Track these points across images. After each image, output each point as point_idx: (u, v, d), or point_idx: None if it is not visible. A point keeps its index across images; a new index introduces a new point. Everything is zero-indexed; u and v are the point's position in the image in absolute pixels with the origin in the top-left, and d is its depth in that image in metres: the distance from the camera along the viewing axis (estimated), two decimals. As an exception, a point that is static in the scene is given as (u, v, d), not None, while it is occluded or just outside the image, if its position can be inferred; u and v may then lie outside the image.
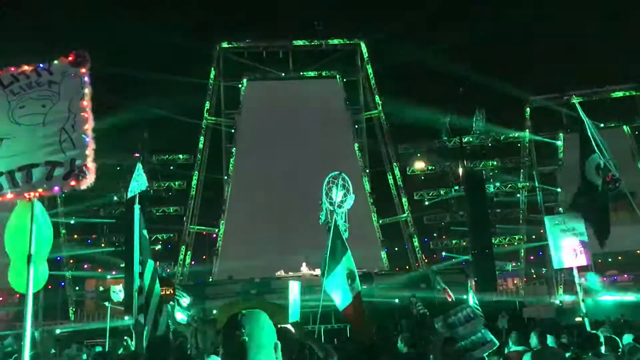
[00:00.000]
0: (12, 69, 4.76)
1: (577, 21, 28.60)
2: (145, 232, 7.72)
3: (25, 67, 4.75)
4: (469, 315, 6.43)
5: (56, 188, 4.31)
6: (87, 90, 4.62)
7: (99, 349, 13.24)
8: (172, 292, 11.70)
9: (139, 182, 7.70)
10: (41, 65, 4.76)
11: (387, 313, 20.72)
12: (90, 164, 4.33)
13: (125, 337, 7.85)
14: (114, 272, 28.46)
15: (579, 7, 29.09)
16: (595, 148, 8.30)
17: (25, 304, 4.13)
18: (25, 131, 4.51)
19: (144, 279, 7.34)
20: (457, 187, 32.54)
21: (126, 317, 20.57)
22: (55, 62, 4.76)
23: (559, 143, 32.85)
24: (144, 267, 7.40)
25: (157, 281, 7.68)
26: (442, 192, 34.24)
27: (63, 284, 28.66)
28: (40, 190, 4.28)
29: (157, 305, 7.51)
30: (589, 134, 8.46)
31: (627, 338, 7.53)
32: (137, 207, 7.55)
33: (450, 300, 16.03)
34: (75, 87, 4.62)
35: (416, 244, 32.80)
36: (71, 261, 29.36)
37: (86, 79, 4.67)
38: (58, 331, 22.77)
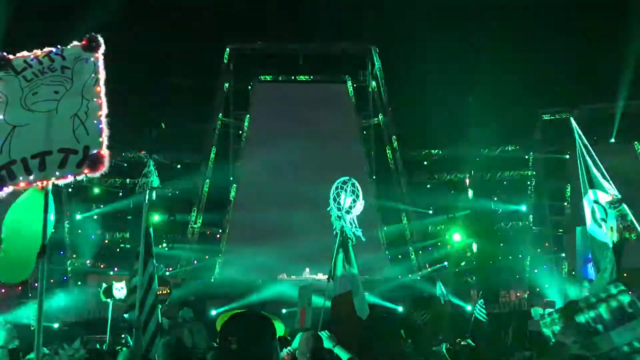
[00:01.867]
0: (25, 54, 4.68)
1: (593, 32, 28.47)
2: (151, 230, 7.66)
3: (38, 52, 4.66)
4: (624, 311, 3.86)
5: (69, 176, 4.19)
6: (100, 75, 4.52)
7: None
8: (168, 292, 11.68)
9: (149, 179, 7.63)
10: (54, 50, 4.66)
11: (390, 320, 20.68)
12: (105, 151, 4.22)
13: (124, 335, 7.80)
14: (116, 269, 28.49)
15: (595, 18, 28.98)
16: (593, 171, 8.25)
17: (38, 299, 4.00)
18: (39, 118, 4.40)
19: (144, 277, 7.28)
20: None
21: (125, 315, 20.64)
22: (69, 47, 4.66)
23: (568, 157, 32.67)
24: (146, 264, 7.34)
25: (156, 280, 7.61)
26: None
27: (65, 278, 28.70)
28: (53, 178, 4.18)
29: (152, 305, 7.43)
30: (583, 157, 8.46)
31: None
32: (145, 204, 7.49)
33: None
34: (88, 72, 4.53)
35: (420, 251, 32.76)
36: (74, 256, 29.39)
37: (100, 63, 4.58)
38: (56, 325, 22.76)
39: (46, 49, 4.67)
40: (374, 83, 35.82)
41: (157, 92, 30.37)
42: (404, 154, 34.44)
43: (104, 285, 12.18)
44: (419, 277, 29.74)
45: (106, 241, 30.80)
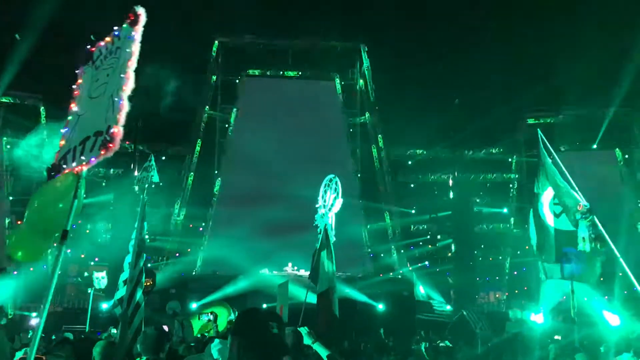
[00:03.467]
0: (101, 43, 4.56)
1: (579, 40, 28.78)
2: (145, 224, 7.60)
3: (108, 39, 4.53)
4: None
5: (93, 159, 3.98)
6: (134, 49, 4.26)
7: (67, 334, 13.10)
8: (152, 283, 11.66)
9: (150, 173, 7.56)
10: (116, 32, 4.48)
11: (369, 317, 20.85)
12: (118, 129, 3.94)
13: (111, 327, 7.79)
14: (96, 259, 28.28)
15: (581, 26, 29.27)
16: (557, 179, 8.46)
17: (50, 281, 3.94)
18: (93, 104, 4.28)
19: (134, 270, 7.23)
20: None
21: (104, 305, 20.52)
22: (124, 25, 4.42)
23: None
24: (138, 258, 7.30)
25: (144, 275, 7.59)
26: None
27: (45, 267, 28.40)
28: (84, 163, 4.01)
29: (139, 300, 7.41)
30: (547, 164, 8.69)
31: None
32: (143, 198, 7.43)
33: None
34: (129, 48, 4.29)
35: (402, 250, 32.93)
36: (54, 244, 29.07)
37: (137, 36, 4.30)
38: (34, 314, 22.57)
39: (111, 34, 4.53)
40: (361, 81, 35.89)
41: (143, 82, 30.09)
42: (389, 153, 34.59)
43: (85, 274, 12.18)
44: (399, 276, 29.89)
45: (87, 231, 30.52)
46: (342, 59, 36.14)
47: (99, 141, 3.95)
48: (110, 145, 3.88)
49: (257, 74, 35.70)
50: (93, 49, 4.61)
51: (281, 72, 35.67)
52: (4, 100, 29.18)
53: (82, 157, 4.04)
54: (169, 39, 30.79)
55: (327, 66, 35.93)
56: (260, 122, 32.78)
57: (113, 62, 4.35)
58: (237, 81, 35.46)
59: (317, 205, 8.79)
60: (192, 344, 8.37)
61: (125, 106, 4.04)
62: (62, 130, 4.40)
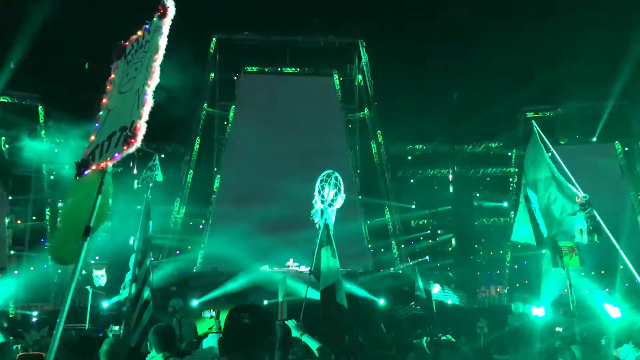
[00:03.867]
0: (134, 37, 4.53)
1: (579, 33, 28.73)
2: (150, 223, 7.57)
3: (139, 32, 4.49)
4: None
5: (116, 155, 3.92)
6: (161, 42, 4.19)
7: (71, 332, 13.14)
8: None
9: (154, 172, 7.54)
10: (147, 26, 4.42)
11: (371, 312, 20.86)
12: (141, 124, 3.88)
13: (112, 324, 7.78)
14: (97, 257, 28.26)
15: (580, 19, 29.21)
16: (555, 172, 8.44)
17: (72, 278, 3.81)
18: (121, 99, 4.23)
19: (140, 269, 7.20)
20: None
21: (105, 303, 20.52)
22: (154, 18, 4.34)
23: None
24: (144, 257, 7.28)
25: (151, 274, 7.57)
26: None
27: (46, 265, 28.43)
28: (108, 158, 3.97)
29: (147, 299, 7.40)
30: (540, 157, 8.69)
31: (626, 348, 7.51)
32: (148, 197, 7.41)
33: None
34: (157, 41, 4.21)
35: (402, 246, 32.94)
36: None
37: (164, 29, 4.22)
38: (35, 313, 22.60)
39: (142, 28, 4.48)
40: (360, 77, 35.81)
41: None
42: (388, 148, 34.55)
43: (84, 272, 12.14)
44: (400, 271, 29.92)
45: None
46: (341, 54, 36.05)
47: (122, 136, 3.91)
48: (132, 140, 3.84)
49: (255, 70, 35.63)
50: (126, 43, 4.59)
51: (279, 69, 35.59)
52: (2, 100, 29.11)
53: (107, 153, 4.02)
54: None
55: (325, 62, 35.87)
56: (259, 119, 32.75)
57: (142, 56, 4.31)
58: (235, 78, 35.39)
59: (312, 201, 8.78)
60: (194, 340, 8.35)
61: (149, 101, 3.98)
62: (95, 125, 4.39)
